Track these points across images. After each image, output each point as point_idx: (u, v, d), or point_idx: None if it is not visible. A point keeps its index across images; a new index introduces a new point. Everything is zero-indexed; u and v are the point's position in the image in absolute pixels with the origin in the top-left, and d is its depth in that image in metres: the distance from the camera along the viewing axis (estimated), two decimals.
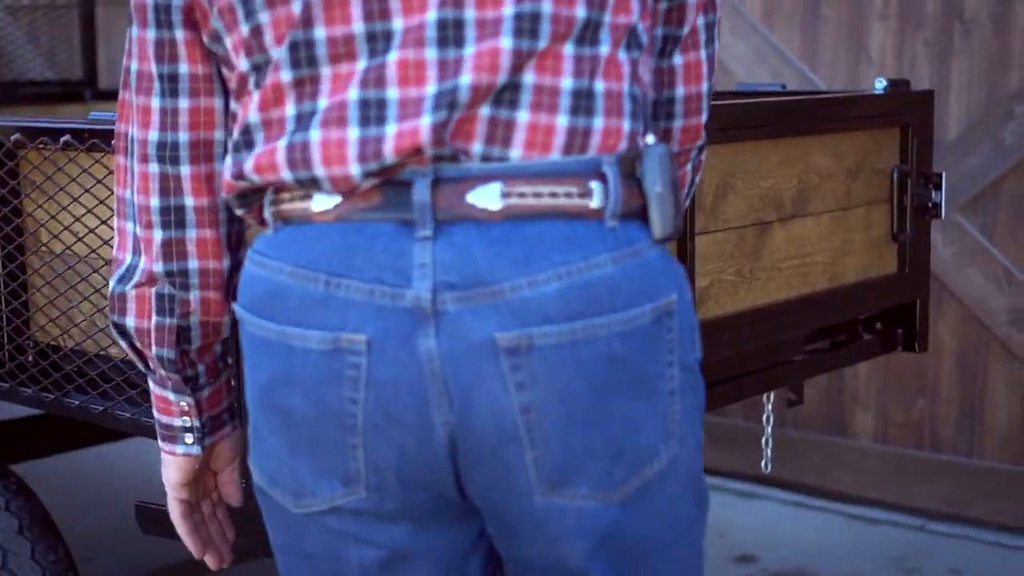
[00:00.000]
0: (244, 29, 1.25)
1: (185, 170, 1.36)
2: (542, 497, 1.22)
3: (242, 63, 1.26)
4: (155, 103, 1.35)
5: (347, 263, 1.19)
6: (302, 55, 1.22)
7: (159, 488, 1.52)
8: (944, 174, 2.28)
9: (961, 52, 3.47)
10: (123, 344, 1.45)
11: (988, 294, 3.47)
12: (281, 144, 1.22)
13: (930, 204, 2.27)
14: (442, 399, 1.19)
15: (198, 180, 1.36)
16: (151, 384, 1.48)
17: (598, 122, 1.22)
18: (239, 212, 1.33)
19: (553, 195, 1.19)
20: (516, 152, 1.20)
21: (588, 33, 1.22)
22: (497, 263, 1.17)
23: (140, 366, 1.47)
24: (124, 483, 3.62)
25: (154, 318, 1.40)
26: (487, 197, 1.18)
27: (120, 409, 1.85)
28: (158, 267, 1.38)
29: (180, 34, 1.33)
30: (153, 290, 1.39)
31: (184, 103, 1.34)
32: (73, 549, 2.12)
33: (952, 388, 3.55)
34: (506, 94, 1.20)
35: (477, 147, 1.19)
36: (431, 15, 1.19)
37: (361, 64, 1.20)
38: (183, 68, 1.34)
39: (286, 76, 1.22)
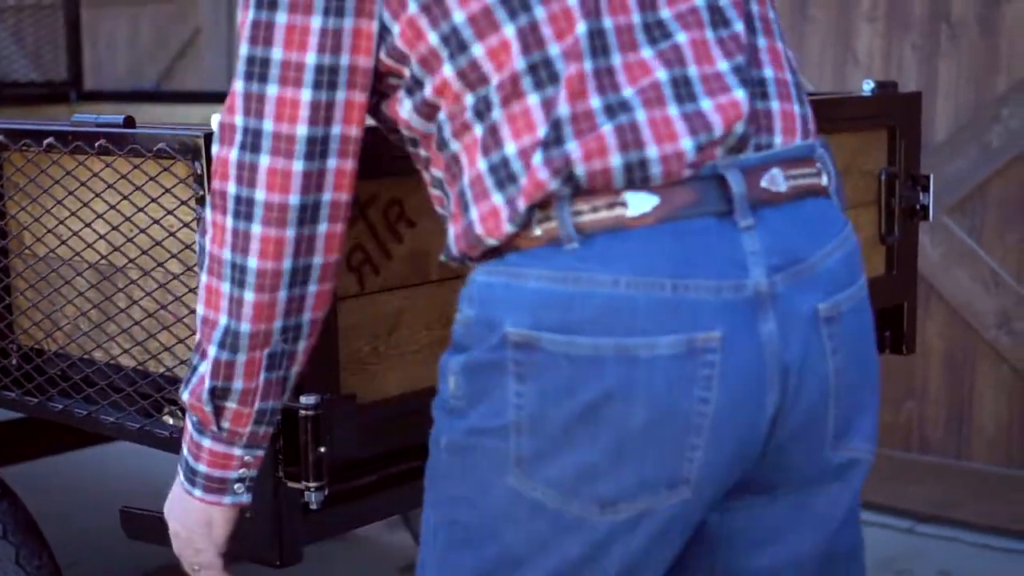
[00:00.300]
0: (509, 30, 1.24)
1: (322, 228, 1.33)
2: (831, 451, 1.32)
3: (517, 62, 1.24)
4: (299, 166, 1.30)
5: (689, 263, 1.21)
6: (596, 44, 1.24)
7: (143, 492, 1.51)
8: (932, 176, 2.27)
9: (948, 54, 3.47)
10: (203, 405, 1.38)
11: (976, 296, 3.47)
12: (607, 129, 1.22)
13: (918, 206, 2.26)
14: (774, 379, 1.24)
15: (332, 239, 1.34)
16: (206, 441, 1.41)
17: (808, 109, 1.36)
18: (509, 229, 1.25)
19: (807, 176, 1.31)
20: (778, 139, 1.29)
21: (766, 25, 1.35)
22: (800, 240, 1.26)
23: (207, 421, 1.39)
24: (108, 487, 3.61)
25: (262, 375, 1.37)
26: (776, 181, 1.26)
27: (104, 413, 1.84)
28: (277, 324, 1.35)
29: (342, 95, 1.30)
30: (266, 352, 1.36)
31: (332, 163, 1.31)
32: (58, 554, 2.10)
33: (940, 390, 3.55)
34: (758, 85, 1.30)
35: (754, 134, 1.28)
36: (699, 1, 1.29)
37: (650, 49, 1.25)
38: (336, 130, 1.30)
39: (587, 66, 1.23)
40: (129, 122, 1.75)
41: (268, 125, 1.30)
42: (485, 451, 1.27)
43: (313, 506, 1.61)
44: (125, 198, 1.75)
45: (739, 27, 1.30)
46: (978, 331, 3.47)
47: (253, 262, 1.32)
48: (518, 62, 1.24)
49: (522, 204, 1.23)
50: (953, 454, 3.54)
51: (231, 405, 1.38)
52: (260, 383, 1.38)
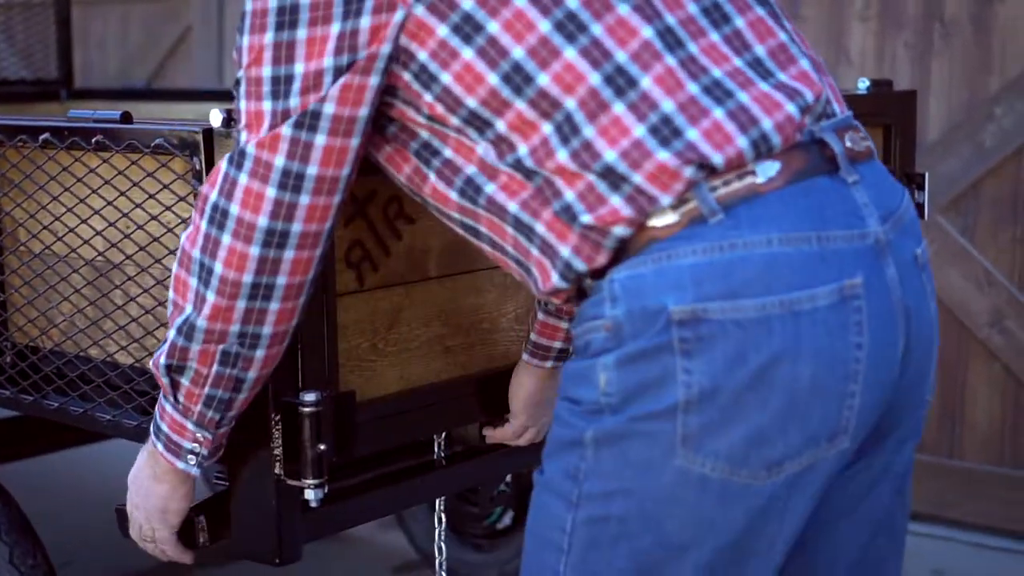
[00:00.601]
0: (570, 53, 1.29)
1: (289, 254, 1.40)
2: (927, 392, 1.43)
3: (591, 78, 1.29)
4: (274, 193, 1.38)
5: (822, 218, 1.29)
6: (669, 40, 1.31)
7: None
8: (927, 174, 2.27)
9: (941, 54, 3.47)
10: (161, 375, 1.50)
11: (969, 295, 3.47)
12: (719, 114, 1.29)
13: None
14: (901, 321, 1.33)
15: (298, 263, 1.41)
16: (167, 406, 1.52)
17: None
18: (644, 221, 1.28)
19: (866, 139, 1.41)
20: (836, 107, 1.40)
21: (780, 9, 1.45)
22: (888, 193, 1.37)
23: (166, 390, 1.51)
24: (102, 487, 3.58)
25: (215, 367, 1.46)
26: (856, 142, 1.37)
27: (100, 411, 1.83)
28: (234, 328, 1.43)
29: (355, 141, 1.39)
30: (220, 347, 1.45)
31: (305, 200, 1.38)
32: (52, 553, 2.09)
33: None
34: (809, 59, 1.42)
35: (826, 102, 1.38)
36: None
37: (716, 34, 1.34)
38: (311, 170, 1.37)
39: (671, 60, 1.30)
40: (126, 118, 1.74)
41: (281, 160, 1.37)
42: (648, 436, 1.28)
43: (313, 504, 1.60)
44: (122, 194, 1.74)
45: (770, 5, 1.42)
46: (971, 330, 3.48)
47: (219, 268, 1.41)
48: (592, 78, 1.29)
49: (655, 194, 1.28)
50: (946, 453, 3.55)
51: (184, 381, 1.49)
52: (212, 372, 1.47)
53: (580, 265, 1.32)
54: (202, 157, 1.61)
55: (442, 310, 1.78)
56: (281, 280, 1.41)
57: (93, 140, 1.74)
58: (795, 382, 1.26)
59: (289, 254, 1.40)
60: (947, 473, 3.53)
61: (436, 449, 1.89)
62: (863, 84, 2.25)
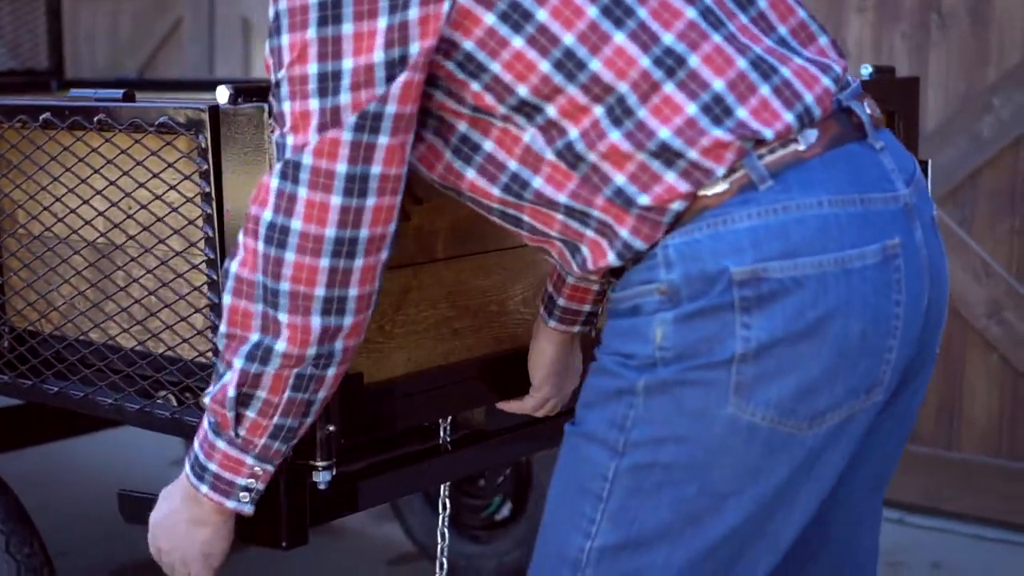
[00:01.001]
0: (620, 37, 1.32)
1: (359, 263, 1.36)
2: (938, 346, 1.50)
3: (642, 60, 1.32)
4: (337, 200, 1.33)
5: (861, 181, 1.36)
6: (711, 20, 1.36)
7: (134, 483, 1.47)
8: (930, 161, 2.26)
9: (938, 45, 3.47)
10: (226, 410, 1.42)
11: (966, 286, 3.46)
12: (766, 91, 1.34)
13: None
14: (926, 278, 1.40)
15: (368, 271, 1.37)
16: (220, 443, 1.45)
17: None
18: (698, 191, 1.33)
19: (877, 106, 1.46)
20: (848, 76, 1.45)
21: None
22: (904, 159, 1.44)
23: (226, 425, 1.43)
24: (101, 477, 3.57)
25: (287, 394, 1.41)
26: (874, 108, 1.43)
27: (101, 395, 1.80)
28: (311, 351, 1.38)
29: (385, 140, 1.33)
30: (295, 371, 1.39)
31: (371, 201, 1.34)
32: (49, 543, 2.06)
33: (931, 380, 3.54)
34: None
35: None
36: None
37: (744, 17, 1.39)
38: (375, 169, 1.33)
39: (717, 38, 1.35)
40: (129, 96, 1.71)
41: (324, 163, 1.33)
42: (702, 384, 1.33)
43: (321, 486, 1.58)
44: (125, 173, 1.71)
45: None
46: (968, 321, 3.47)
47: (286, 286, 1.35)
48: (643, 61, 1.33)
49: (710, 167, 1.32)
50: (943, 445, 3.53)
51: (250, 414, 1.42)
52: (283, 399, 1.41)
53: (640, 244, 1.35)
54: (207, 135, 1.58)
55: (450, 292, 1.76)
56: (352, 291, 1.37)
57: (95, 119, 1.71)
58: (845, 337, 1.32)
59: (359, 262, 1.36)
60: (945, 465, 3.52)
61: (442, 433, 1.87)
62: (866, 71, 2.23)
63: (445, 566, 2.02)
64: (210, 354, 1.66)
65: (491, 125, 1.38)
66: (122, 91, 1.72)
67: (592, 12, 1.32)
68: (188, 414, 1.70)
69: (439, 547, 2.05)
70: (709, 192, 1.33)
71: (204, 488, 1.47)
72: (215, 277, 1.62)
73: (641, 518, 1.36)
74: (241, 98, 1.55)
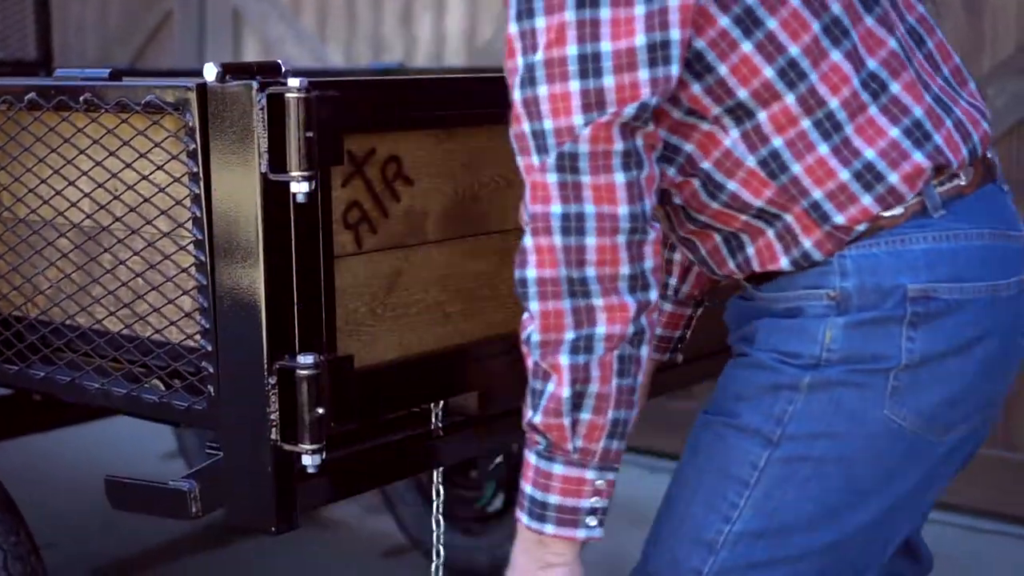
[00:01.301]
0: (836, 55, 1.41)
1: (651, 236, 1.39)
2: None
3: (853, 80, 1.41)
4: (621, 178, 1.36)
5: (1003, 219, 1.50)
6: (906, 52, 1.46)
7: (124, 474, 1.44)
8: None
9: None
10: (563, 418, 1.39)
11: None
12: (949, 125, 1.46)
13: None
14: None
15: (656, 245, 1.41)
16: (557, 467, 1.41)
17: None
18: (883, 213, 1.43)
19: None
20: None
21: None
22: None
23: (561, 441, 1.40)
24: (88, 468, 3.54)
25: (614, 381, 1.39)
26: (993, 154, 1.54)
27: (88, 380, 1.77)
28: (631, 329, 1.39)
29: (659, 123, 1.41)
30: (616, 354, 1.39)
31: (645, 172, 1.38)
32: (36, 534, 2.04)
33: None
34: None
35: None
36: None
37: (920, 54, 1.49)
38: (639, 141, 1.37)
39: (911, 70, 1.46)
40: (116, 75, 1.69)
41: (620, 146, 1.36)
42: (862, 386, 1.44)
43: (310, 470, 1.56)
44: (112, 154, 1.69)
45: (940, 32, 1.56)
46: None
47: (591, 271, 1.37)
48: (855, 80, 1.42)
49: (904, 192, 1.43)
50: None
51: (585, 416, 1.39)
52: (613, 388, 1.39)
53: (819, 256, 1.44)
54: (195, 113, 1.56)
55: (441, 275, 1.74)
56: (648, 264, 1.39)
57: (81, 99, 1.69)
58: (988, 357, 1.46)
59: (650, 235, 1.39)
60: None
61: (433, 419, 1.85)
62: None
63: (442, 553, 2.00)
64: (198, 336, 1.63)
65: (695, 128, 1.43)
66: (108, 71, 1.70)
67: (816, 27, 1.40)
68: (175, 398, 1.68)
69: (434, 535, 2.02)
70: (887, 214, 1.43)
71: (549, 528, 1.41)
72: (203, 258, 1.59)
73: (784, 508, 1.45)
74: (229, 76, 1.53)
